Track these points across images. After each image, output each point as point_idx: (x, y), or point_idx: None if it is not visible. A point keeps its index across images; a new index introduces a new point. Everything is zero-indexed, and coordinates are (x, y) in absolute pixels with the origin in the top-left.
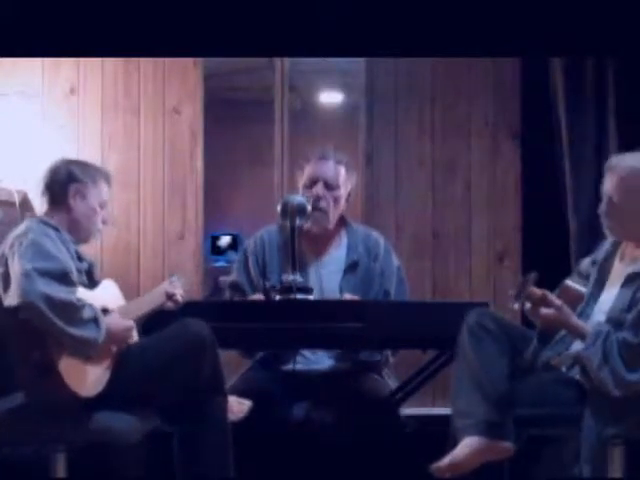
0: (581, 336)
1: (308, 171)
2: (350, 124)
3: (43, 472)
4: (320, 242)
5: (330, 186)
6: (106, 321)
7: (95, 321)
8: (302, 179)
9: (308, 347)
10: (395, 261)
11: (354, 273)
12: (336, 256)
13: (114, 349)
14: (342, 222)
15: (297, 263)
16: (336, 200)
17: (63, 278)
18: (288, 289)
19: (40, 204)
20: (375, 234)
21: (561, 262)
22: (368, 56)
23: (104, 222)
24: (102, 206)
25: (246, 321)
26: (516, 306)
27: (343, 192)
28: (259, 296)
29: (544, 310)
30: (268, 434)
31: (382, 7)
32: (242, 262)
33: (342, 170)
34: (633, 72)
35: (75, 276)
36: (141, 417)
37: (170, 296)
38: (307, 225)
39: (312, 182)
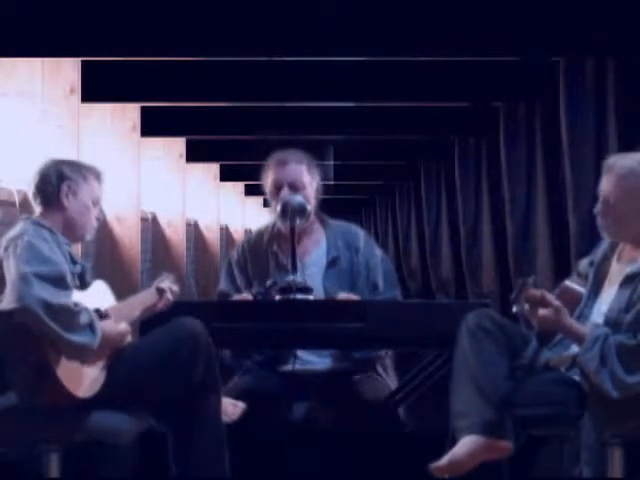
0: (578, 339)
1: (270, 178)
2: None
3: (36, 472)
4: (299, 243)
5: (296, 188)
6: (100, 325)
7: (91, 326)
8: (267, 187)
9: (308, 347)
10: (378, 252)
11: (335, 269)
12: (317, 255)
13: (108, 351)
14: (319, 219)
15: (296, 263)
16: (306, 200)
17: (60, 282)
18: (288, 289)
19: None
20: (354, 227)
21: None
22: (368, 56)
23: (97, 219)
24: (95, 203)
25: (246, 321)
26: (515, 309)
27: (310, 191)
28: (246, 295)
29: (542, 311)
30: (268, 434)
31: (382, 8)
32: (228, 272)
33: (303, 169)
34: (633, 72)
35: (70, 279)
36: (135, 416)
37: (160, 291)
38: (279, 227)
39: (277, 188)
